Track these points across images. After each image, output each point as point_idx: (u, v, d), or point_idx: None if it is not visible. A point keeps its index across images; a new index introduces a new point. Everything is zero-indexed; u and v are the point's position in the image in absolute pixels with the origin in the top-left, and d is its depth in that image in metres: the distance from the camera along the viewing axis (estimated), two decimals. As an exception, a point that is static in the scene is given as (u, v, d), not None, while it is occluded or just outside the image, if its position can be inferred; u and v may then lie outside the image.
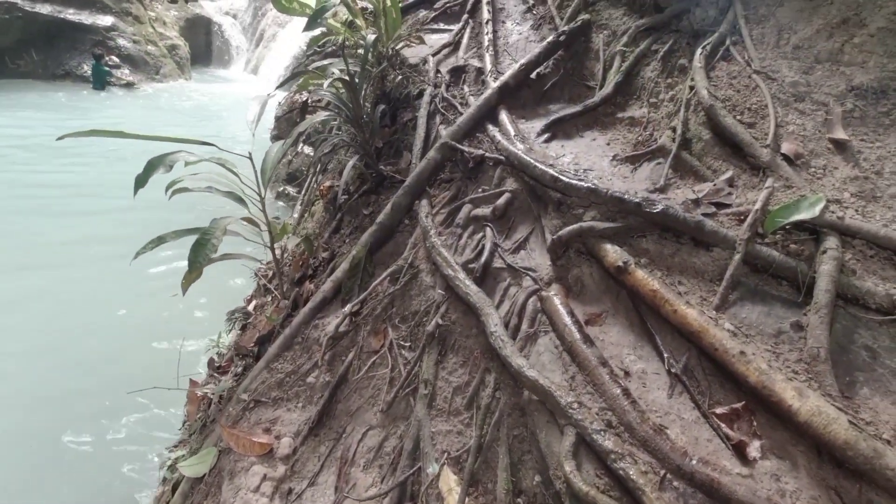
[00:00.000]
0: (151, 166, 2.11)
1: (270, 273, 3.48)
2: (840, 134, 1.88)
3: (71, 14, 13.05)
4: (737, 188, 1.90)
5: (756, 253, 1.63)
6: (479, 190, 2.38)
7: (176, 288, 2.16)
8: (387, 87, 3.39)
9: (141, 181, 2.08)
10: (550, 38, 2.88)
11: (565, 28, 2.90)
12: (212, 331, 3.27)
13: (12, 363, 3.94)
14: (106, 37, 13.45)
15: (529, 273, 1.94)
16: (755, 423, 1.36)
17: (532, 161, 2.15)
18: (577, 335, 1.60)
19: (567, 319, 1.66)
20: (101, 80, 12.72)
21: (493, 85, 2.73)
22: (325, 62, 3.09)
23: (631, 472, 1.25)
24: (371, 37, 2.88)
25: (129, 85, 13.30)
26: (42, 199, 6.39)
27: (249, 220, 2.42)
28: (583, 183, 1.95)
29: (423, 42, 3.57)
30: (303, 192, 5.39)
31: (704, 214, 1.77)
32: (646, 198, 1.82)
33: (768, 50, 2.25)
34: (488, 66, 3.01)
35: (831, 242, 1.57)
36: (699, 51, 2.34)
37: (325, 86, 2.56)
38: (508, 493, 1.52)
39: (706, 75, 2.24)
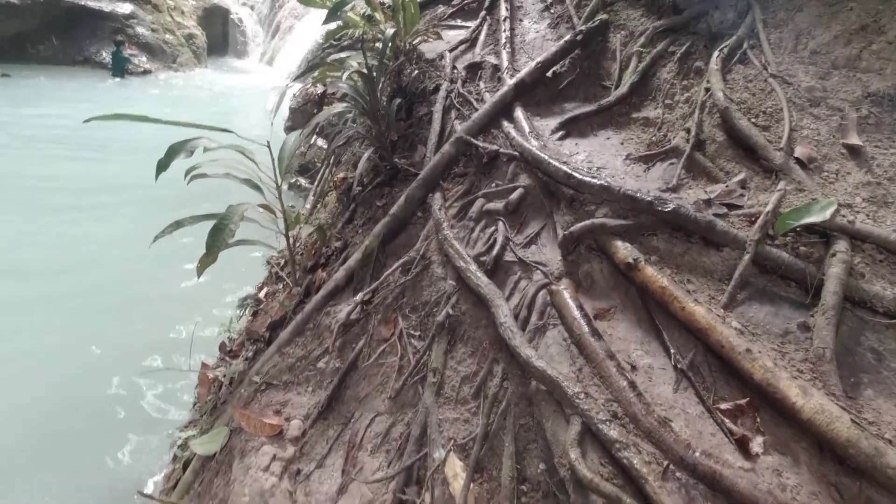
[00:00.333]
0: (173, 151, 2.16)
1: (282, 262, 3.54)
2: (854, 139, 1.89)
3: (91, 1, 13.20)
4: (749, 190, 1.92)
5: (766, 254, 1.65)
6: (493, 185, 2.41)
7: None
8: (403, 81, 3.43)
9: (163, 165, 2.14)
10: (568, 37, 2.90)
11: (583, 27, 2.92)
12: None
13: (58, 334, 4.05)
14: (125, 24, 13.59)
15: (540, 267, 1.97)
16: (759, 420, 1.39)
17: (546, 157, 2.18)
18: (586, 328, 1.63)
19: (576, 313, 1.69)
20: (119, 68, 12.86)
21: (510, 82, 2.76)
22: (343, 55, 3.13)
23: (635, 462, 1.28)
24: (390, 31, 2.92)
25: (146, 73, 13.43)
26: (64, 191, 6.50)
27: (265, 207, 2.47)
28: (596, 180, 1.97)
29: (440, 38, 3.60)
30: (315, 184, 5.44)
31: (716, 215, 1.79)
32: (658, 196, 1.84)
33: (785, 54, 2.26)
34: (505, 63, 3.04)
35: (841, 246, 1.59)
36: (716, 53, 2.35)
37: (343, 77, 2.60)
38: (513, 480, 1.55)
39: (722, 78, 2.25)
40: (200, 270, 2.22)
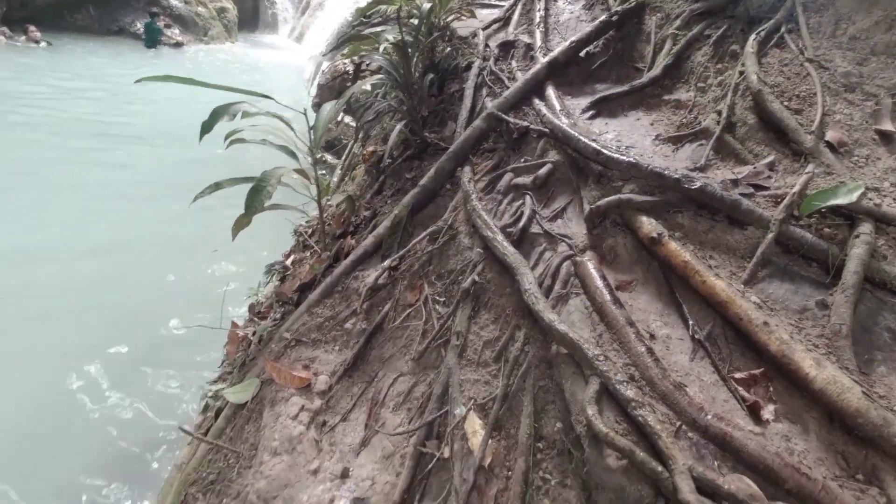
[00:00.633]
0: (217, 114, 2.25)
1: (310, 230, 3.65)
2: (887, 125, 1.90)
3: (127, -29, 13.41)
4: (777, 172, 1.94)
5: (789, 234, 1.68)
6: (522, 160, 2.46)
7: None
8: (436, 57, 3.48)
9: (207, 127, 2.23)
10: (603, 18, 2.91)
11: (618, 8, 2.93)
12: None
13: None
14: (159, -4, 13.80)
15: (565, 239, 2.02)
16: (771, 389, 1.44)
17: (576, 134, 2.22)
18: (608, 297, 1.69)
19: (599, 283, 1.75)
20: (153, 39, 13.08)
21: (543, 60, 2.79)
22: (379, 29, 3.18)
23: (649, 419, 1.34)
24: (426, 6, 2.96)
25: (177, 45, 13.64)
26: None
27: (300, 172, 2.56)
28: (624, 157, 2.01)
29: (473, 16, 3.63)
30: (343, 158, 5.53)
31: (742, 194, 1.82)
32: (685, 174, 1.87)
33: (823, 39, 2.25)
34: (538, 43, 3.06)
35: (865, 228, 1.61)
36: (753, 36, 2.35)
37: (380, 50, 2.65)
38: (530, 438, 1.63)
39: (757, 61, 2.25)
40: (235, 232, 2.31)
